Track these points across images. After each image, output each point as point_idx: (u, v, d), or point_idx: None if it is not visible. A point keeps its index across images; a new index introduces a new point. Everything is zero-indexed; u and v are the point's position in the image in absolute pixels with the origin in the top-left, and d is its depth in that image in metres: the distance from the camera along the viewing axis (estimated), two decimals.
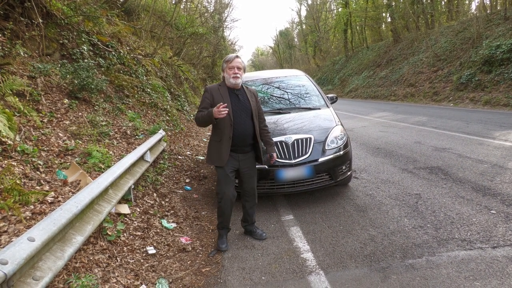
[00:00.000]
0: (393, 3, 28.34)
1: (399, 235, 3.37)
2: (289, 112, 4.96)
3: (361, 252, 3.14)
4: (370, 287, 2.60)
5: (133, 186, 4.14)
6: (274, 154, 3.57)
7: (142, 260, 3.15)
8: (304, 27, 55.88)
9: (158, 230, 3.77)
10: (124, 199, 4.04)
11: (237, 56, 3.30)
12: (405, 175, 5.18)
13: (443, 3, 27.36)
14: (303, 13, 57.08)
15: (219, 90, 3.30)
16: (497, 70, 13.69)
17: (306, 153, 4.19)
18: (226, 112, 3.02)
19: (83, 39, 6.96)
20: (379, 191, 4.66)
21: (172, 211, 4.37)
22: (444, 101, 15.84)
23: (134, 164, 4.29)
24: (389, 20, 32.00)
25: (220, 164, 3.31)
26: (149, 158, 4.99)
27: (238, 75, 3.25)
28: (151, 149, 5.20)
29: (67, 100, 5.31)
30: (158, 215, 4.12)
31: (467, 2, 27.55)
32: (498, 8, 19.85)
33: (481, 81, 14.20)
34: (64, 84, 5.61)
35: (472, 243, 3.08)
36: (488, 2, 21.04)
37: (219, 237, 3.56)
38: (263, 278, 2.90)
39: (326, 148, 4.29)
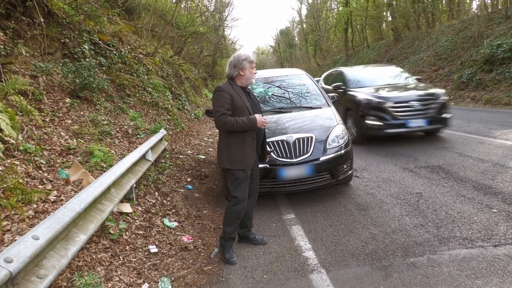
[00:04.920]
0: (394, 2, 28.27)
1: (401, 234, 3.38)
2: (290, 111, 4.96)
3: (363, 250, 3.15)
4: (371, 286, 2.61)
5: (135, 185, 4.16)
6: (269, 151, 3.55)
7: (144, 259, 3.16)
8: (304, 26, 55.79)
9: (160, 229, 3.78)
10: (126, 198, 4.05)
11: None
12: (406, 174, 5.19)
13: (444, 1, 27.30)
14: (304, 12, 56.91)
15: (234, 89, 3.15)
16: (498, 69, 13.66)
17: (307, 152, 4.20)
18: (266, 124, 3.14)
19: (85, 38, 6.97)
20: (380, 190, 4.67)
21: (173, 210, 4.38)
22: None
23: (136, 163, 4.30)
24: (389, 19, 31.95)
25: (245, 166, 3.14)
26: (151, 157, 5.01)
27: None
28: (152, 148, 5.21)
29: (68, 99, 5.32)
30: (160, 214, 4.13)
31: (468, 1, 27.51)
32: (499, 7, 19.80)
33: (482, 80, 14.17)
34: (66, 83, 5.62)
35: (473, 242, 3.09)
36: (489, 1, 20.99)
37: (225, 250, 3.24)
38: (265, 276, 2.91)
39: (327, 147, 4.30)
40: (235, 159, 3.14)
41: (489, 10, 18.83)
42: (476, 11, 20.88)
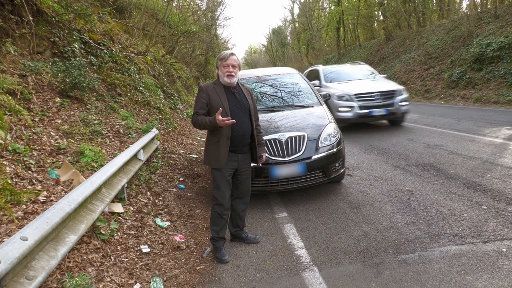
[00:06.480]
0: (385, 2, 28.45)
1: (392, 231, 3.40)
2: (283, 110, 4.97)
3: (355, 248, 3.17)
4: (363, 283, 2.63)
5: (126, 185, 4.13)
6: (264, 155, 3.47)
7: (136, 259, 3.14)
8: (297, 25, 55.86)
9: (152, 229, 3.76)
10: (118, 198, 4.02)
11: (232, 54, 3.14)
12: (398, 172, 5.23)
13: (434, 1, 27.56)
14: (296, 11, 57.09)
15: (215, 88, 3.15)
16: (487, 68, 13.84)
17: (299, 150, 4.21)
18: (232, 122, 2.92)
19: (75, 37, 6.89)
20: (372, 188, 4.70)
21: (166, 210, 4.36)
22: (436, 98, 15.98)
23: (127, 163, 4.27)
24: (381, 18, 32.16)
25: (218, 166, 3.14)
26: (142, 156, 4.97)
27: (233, 74, 3.10)
28: (144, 147, 5.17)
29: (58, 99, 5.25)
30: (152, 214, 4.10)
31: (458, 0, 27.81)
32: (489, 6, 20.05)
33: (471, 79, 14.35)
34: (56, 83, 5.55)
35: (463, 238, 3.12)
36: (478, 1, 21.24)
37: (217, 250, 3.28)
38: (257, 275, 2.91)
39: (320, 145, 4.31)
40: (211, 157, 3.20)
41: (479, 10, 19.05)
42: (466, 11, 21.13)
